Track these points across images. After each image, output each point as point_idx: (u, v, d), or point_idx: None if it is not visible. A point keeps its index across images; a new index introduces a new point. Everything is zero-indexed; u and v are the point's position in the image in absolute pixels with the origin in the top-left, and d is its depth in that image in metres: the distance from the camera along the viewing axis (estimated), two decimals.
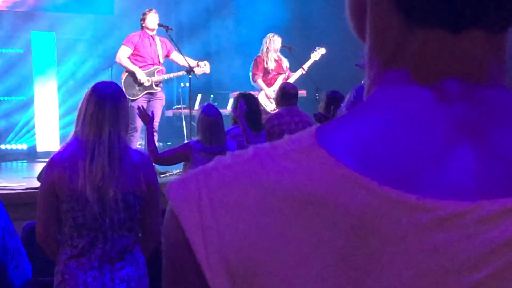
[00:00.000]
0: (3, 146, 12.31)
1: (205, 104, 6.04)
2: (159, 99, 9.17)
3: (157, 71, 9.18)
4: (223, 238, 0.71)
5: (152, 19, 9.13)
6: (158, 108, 9.03)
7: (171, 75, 9.55)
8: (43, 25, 13.00)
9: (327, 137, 0.72)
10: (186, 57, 9.37)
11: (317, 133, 0.72)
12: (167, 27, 9.40)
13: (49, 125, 12.98)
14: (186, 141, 11.21)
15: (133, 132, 8.49)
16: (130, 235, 3.56)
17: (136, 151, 3.69)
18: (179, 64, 9.55)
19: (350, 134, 0.72)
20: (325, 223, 0.68)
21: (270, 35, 10.22)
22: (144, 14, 9.16)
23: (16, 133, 12.77)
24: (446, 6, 0.71)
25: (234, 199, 0.70)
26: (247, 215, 0.70)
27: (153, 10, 9.19)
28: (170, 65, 9.99)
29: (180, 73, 9.58)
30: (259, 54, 10.15)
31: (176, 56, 9.41)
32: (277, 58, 10.17)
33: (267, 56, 10.08)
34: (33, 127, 12.93)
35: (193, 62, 9.33)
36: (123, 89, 6.59)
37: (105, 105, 3.52)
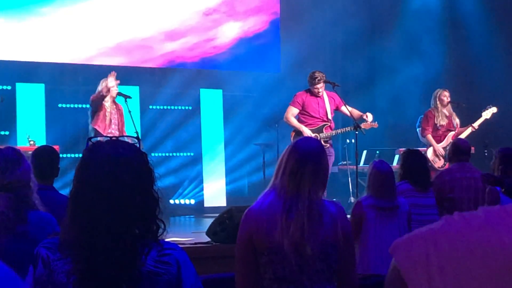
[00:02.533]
0: (172, 201, 12.60)
1: (377, 160, 5.99)
2: (329, 156, 9.14)
3: (325, 128, 9.21)
4: None
5: (321, 87, 9.20)
6: (329, 165, 8.98)
7: (339, 131, 9.54)
8: (211, 83, 13.35)
9: None
10: (353, 109, 9.43)
11: None
12: (334, 83, 9.44)
13: (216, 180, 13.22)
14: (352, 202, 11.21)
15: None
16: (328, 285, 3.50)
17: (331, 203, 3.64)
18: (347, 115, 9.55)
19: None
20: None
21: (439, 91, 10.03)
22: (315, 79, 9.23)
23: (184, 189, 13.07)
24: None
25: (467, 269, 0.71)
26: (479, 281, 0.71)
27: (322, 81, 9.24)
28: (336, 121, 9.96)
29: (348, 129, 9.56)
30: (430, 109, 9.97)
31: (345, 109, 9.45)
32: (448, 114, 9.95)
33: (438, 112, 9.86)
34: (201, 182, 13.20)
35: (359, 115, 9.37)
36: None
37: (307, 162, 3.50)
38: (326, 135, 9.22)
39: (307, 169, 3.49)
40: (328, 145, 9.15)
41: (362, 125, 9.29)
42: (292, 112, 9.34)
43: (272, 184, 3.59)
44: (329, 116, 9.35)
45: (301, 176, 3.47)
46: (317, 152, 3.61)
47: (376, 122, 9.38)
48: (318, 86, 9.26)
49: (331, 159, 9.28)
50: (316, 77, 9.26)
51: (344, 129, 9.66)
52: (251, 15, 13.69)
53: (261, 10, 13.79)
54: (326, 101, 9.36)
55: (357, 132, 9.32)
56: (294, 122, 9.31)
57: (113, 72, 9.41)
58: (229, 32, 13.45)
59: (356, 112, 9.50)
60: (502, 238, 0.68)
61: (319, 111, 9.30)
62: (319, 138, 9.00)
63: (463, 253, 0.69)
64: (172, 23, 12.96)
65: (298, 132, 9.11)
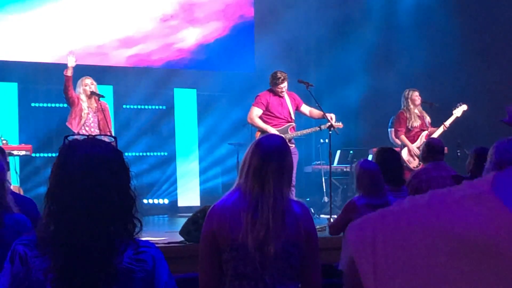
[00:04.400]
0: (145, 201, 12.59)
1: (361, 160, 6.00)
2: (294, 155, 9.16)
3: (290, 128, 9.21)
4: (394, 283, 0.72)
5: (284, 87, 9.21)
6: (293, 164, 8.99)
7: (304, 131, 9.52)
8: (185, 82, 13.34)
9: (502, 186, 0.71)
10: (313, 109, 9.39)
11: (493, 181, 0.72)
12: (308, 83, 9.42)
13: (190, 180, 13.22)
14: (326, 201, 11.26)
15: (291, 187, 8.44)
16: (291, 284, 3.50)
17: (297, 203, 3.63)
18: (306, 115, 9.55)
19: None
20: (493, 270, 0.67)
21: (407, 90, 10.11)
22: (278, 79, 9.20)
23: (158, 188, 13.06)
24: None
25: (407, 243, 0.71)
26: (416, 260, 0.70)
27: (285, 81, 9.22)
28: (310, 121, 9.99)
29: (314, 129, 9.55)
30: (402, 110, 10.03)
31: (305, 109, 9.44)
32: (419, 114, 10.02)
33: (409, 113, 9.94)
34: (175, 182, 13.19)
35: (319, 114, 9.33)
36: None
37: (271, 159, 3.49)
38: (291, 135, 9.22)
39: (271, 167, 3.47)
40: (292, 145, 9.14)
41: (324, 126, 9.29)
42: (256, 113, 9.22)
43: (236, 184, 3.58)
44: (292, 116, 9.32)
45: (266, 174, 3.46)
46: (281, 149, 3.59)
47: (340, 122, 9.35)
48: (282, 86, 9.18)
49: (296, 158, 9.24)
50: (279, 77, 9.19)
51: (310, 129, 9.65)
52: (224, 15, 13.70)
53: (234, 10, 13.81)
54: (288, 101, 9.30)
55: (330, 132, 9.33)
56: (260, 123, 9.20)
57: (72, 51, 9.50)
58: (201, 31, 13.45)
59: (316, 112, 9.43)
60: (439, 215, 0.70)
61: (283, 112, 9.24)
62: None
63: (404, 229, 0.71)
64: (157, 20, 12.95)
65: (264, 133, 9.03)
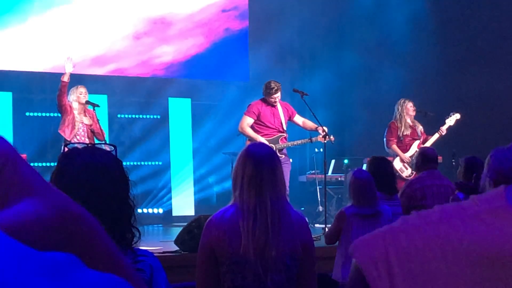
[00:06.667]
0: (140, 210, 12.56)
1: (355, 169, 6.00)
2: (286, 164, 9.18)
3: (281, 139, 9.22)
4: None
5: (277, 97, 9.22)
6: (286, 173, 9.02)
7: (295, 142, 9.53)
8: (180, 92, 13.34)
9: None
10: (306, 120, 9.41)
11: (506, 194, 0.72)
12: (302, 92, 9.45)
13: (184, 189, 13.21)
14: (320, 210, 11.25)
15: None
16: None
17: (296, 212, 3.63)
18: (299, 126, 9.57)
19: None
20: None
21: (402, 100, 10.15)
22: (272, 89, 9.20)
23: (152, 198, 13.03)
24: None
25: (426, 263, 0.70)
26: (438, 279, 0.69)
27: (279, 91, 9.22)
28: (303, 132, 10.01)
29: (304, 141, 9.57)
30: (393, 120, 10.08)
31: (298, 119, 9.45)
32: (411, 123, 10.06)
33: (401, 122, 9.98)
34: (169, 191, 13.17)
35: (312, 126, 9.35)
36: None
37: (263, 166, 3.49)
38: (282, 146, 9.22)
39: (265, 173, 3.47)
40: (283, 155, 9.15)
41: (315, 138, 9.33)
42: (247, 122, 9.24)
43: (233, 199, 3.56)
44: (284, 127, 9.33)
45: (261, 181, 3.46)
46: (272, 155, 3.60)
47: (332, 136, 9.36)
48: (275, 96, 9.19)
49: (288, 167, 9.26)
50: (273, 87, 9.19)
51: (300, 141, 9.66)
52: (219, 24, 13.72)
53: (229, 19, 13.84)
54: (280, 111, 9.31)
55: (325, 142, 9.34)
56: (250, 132, 9.21)
57: (69, 57, 9.50)
58: (198, 41, 13.47)
59: (309, 124, 9.44)
60: (457, 231, 0.70)
61: (275, 122, 9.24)
62: (275, 149, 9.01)
63: (420, 247, 0.71)
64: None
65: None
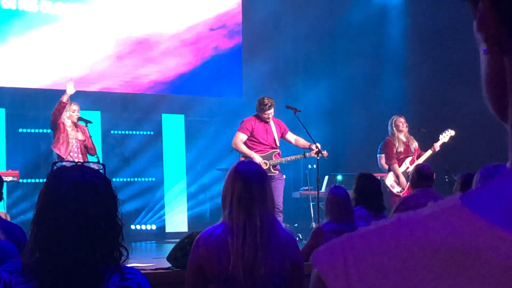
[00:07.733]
0: (133, 227, 12.54)
1: (332, 185, 6.05)
2: (279, 180, 9.20)
3: (274, 155, 9.23)
4: None
5: (271, 113, 9.24)
6: (280, 189, 9.04)
7: (288, 158, 9.55)
8: (173, 108, 13.35)
9: (471, 199, 0.73)
10: (298, 137, 9.43)
11: (461, 197, 0.73)
12: (296, 109, 9.47)
13: (178, 206, 13.19)
14: (314, 227, 11.22)
15: (278, 212, 8.42)
16: None
17: (285, 231, 3.64)
18: (291, 143, 9.59)
19: (495, 195, 0.72)
20: (473, 277, 0.68)
21: (393, 118, 10.16)
22: (266, 105, 9.21)
23: (145, 214, 13.01)
24: None
25: (381, 262, 0.71)
26: (394, 278, 0.70)
27: (272, 107, 9.24)
28: (296, 147, 10.02)
29: (298, 156, 9.59)
30: (389, 137, 10.09)
31: (290, 137, 9.47)
32: (405, 140, 10.07)
33: (395, 139, 10.00)
34: (163, 207, 13.15)
35: (305, 144, 9.38)
36: None
37: (252, 183, 3.49)
38: (276, 162, 9.24)
39: (254, 190, 3.47)
40: (277, 171, 9.17)
41: (309, 154, 9.36)
42: (241, 138, 9.25)
43: (223, 216, 3.56)
44: (277, 143, 9.35)
45: (250, 198, 3.45)
46: (261, 172, 3.63)
47: (325, 151, 9.39)
48: (268, 112, 9.21)
49: (282, 183, 9.27)
50: (266, 103, 9.20)
51: (294, 156, 9.67)
52: (213, 40, 13.75)
53: (223, 34, 13.87)
54: (273, 127, 9.32)
55: (318, 158, 9.35)
56: (244, 148, 9.21)
57: (72, 78, 9.55)
58: (186, 59, 13.48)
59: (302, 142, 9.46)
60: (412, 230, 0.71)
61: (268, 138, 9.26)
62: (268, 165, 9.02)
63: (378, 250, 0.71)
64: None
65: (247, 158, 9.03)
